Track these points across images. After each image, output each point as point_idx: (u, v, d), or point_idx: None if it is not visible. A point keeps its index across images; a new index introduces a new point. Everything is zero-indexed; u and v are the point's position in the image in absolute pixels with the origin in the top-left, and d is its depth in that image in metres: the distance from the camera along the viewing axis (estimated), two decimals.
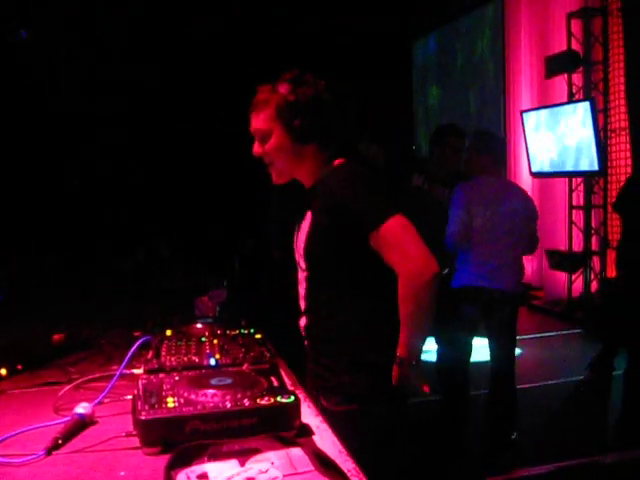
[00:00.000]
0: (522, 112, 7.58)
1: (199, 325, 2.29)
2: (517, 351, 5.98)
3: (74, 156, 7.94)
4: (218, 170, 8.93)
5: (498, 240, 3.72)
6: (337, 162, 2.01)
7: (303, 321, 2.11)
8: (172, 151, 8.81)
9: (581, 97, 6.97)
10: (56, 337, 2.43)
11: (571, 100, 7.00)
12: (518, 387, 4.01)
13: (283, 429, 1.50)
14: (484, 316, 3.87)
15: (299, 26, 8.88)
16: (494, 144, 3.93)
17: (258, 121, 1.96)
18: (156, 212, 8.17)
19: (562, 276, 7.35)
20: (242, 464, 1.31)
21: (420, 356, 1.89)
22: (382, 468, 1.82)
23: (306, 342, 2.13)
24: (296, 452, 1.36)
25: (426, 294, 1.81)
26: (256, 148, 2.00)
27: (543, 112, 7.24)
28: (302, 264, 2.04)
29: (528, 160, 7.56)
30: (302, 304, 2.09)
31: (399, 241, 1.83)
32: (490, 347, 3.93)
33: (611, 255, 6.50)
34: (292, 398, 1.54)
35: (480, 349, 4.13)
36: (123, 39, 8.09)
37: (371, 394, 1.95)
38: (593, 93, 6.91)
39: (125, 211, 7.94)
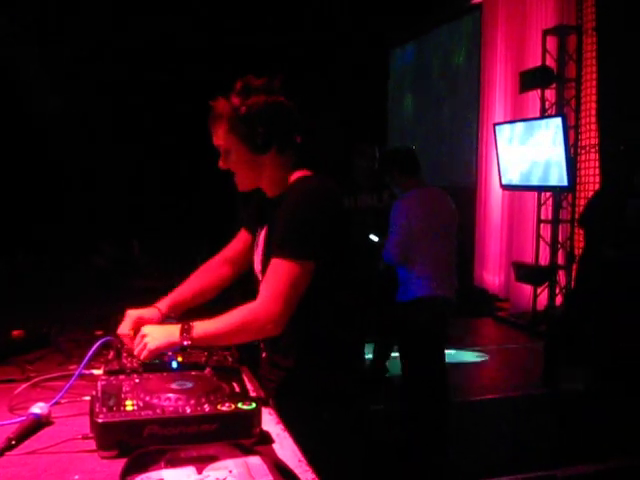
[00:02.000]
0: (495, 125, 7.64)
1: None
2: (480, 359, 6.08)
3: (48, 154, 7.84)
4: (192, 169, 8.88)
5: (442, 248, 3.80)
6: (300, 174, 1.99)
7: None
8: (146, 148, 8.74)
9: (553, 113, 7.05)
10: (15, 333, 2.38)
11: (543, 115, 7.08)
12: (480, 398, 4.04)
13: (243, 436, 1.48)
14: (439, 325, 3.91)
15: (275, 31, 8.86)
16: (405, 159, 3.95)
17: (217, 137, 1.95)
18: (129, 210, 8.09)
19: (528, 289, 7.41)
20: (199, 471, 1.30)
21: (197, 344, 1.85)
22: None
23: (263, 354, 2.12)
24: (255, 461, 1.35)
25: (249, 330, 1.84)
26: (221, 162, 1.99)
27: (516, 125, 7.31)
28: (259, 277, 2.04)
29: (499, 172, 7.63)
30: None
31: (277, 287, 1.82)
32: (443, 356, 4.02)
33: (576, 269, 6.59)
34: (253, 405, 1.52)
35: None
36: (102, 37, 8.00)
37: (322, 398, 1.96)
38: (565, 109, 7.00)
39: (97, 208, 7.86)
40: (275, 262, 1.85)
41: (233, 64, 8.53)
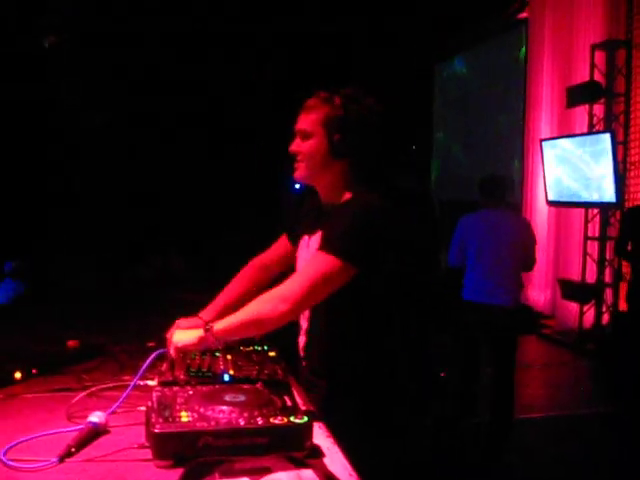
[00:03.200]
0: (542, 141, 7.58)
1: None
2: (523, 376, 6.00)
3: (98, 167, 8.02)
4: (233, 183, 8.99)
5: (494, 262, 4.30)
6: (361, 189, 2.02)
7: (302, 340, 2.13)
8: (190, 161, 8.88)
9: (601, 128, 6.96)
10: (70, 343, 2.45)
11: (591, 131, 6.99)
12: (525, 417, 4.00)
13: (294, 449, 1.50)
14: (484, 329, 4.39)
15: (323, 42, 8.94)
16: (494, 188, 4.53)
17: (305, 122, 2.01)
18: (172, 224, 8.22)
19: (574, 307, 7.30)
20: None
21: (222, 343, 1.91)
22: None
23: (303, 362, 2.14)
24: (307, 473, 1.37)
25: (271, 318, 1.84)
26: (295, 145, 2.04)
27: (563, 141, 7.23)
28: None
29: (545, 189, 7.55)
30: (304, 323, 2.11)
31: (308, 273, 1.87)
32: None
33: (624, 288, 6.47)
34: (305, 419, 1.54)
35: None
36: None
37: (362, 424, 1.96)
38: (614, 125, 6.90)
39: (143, 223, 8.00)
40: (316, 254, 1.89)
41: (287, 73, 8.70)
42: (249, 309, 1.88)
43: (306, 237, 2.13)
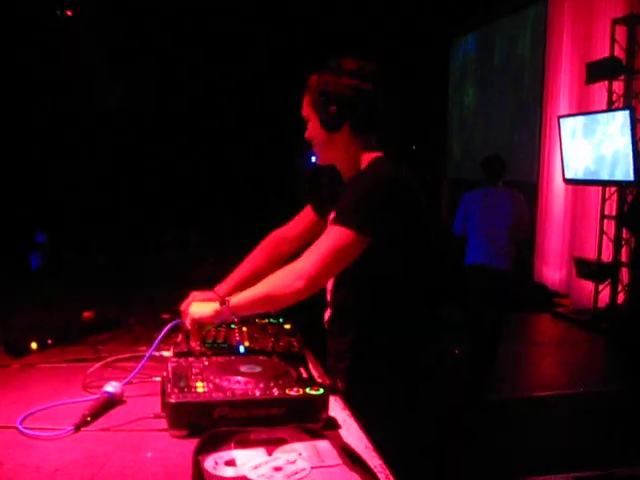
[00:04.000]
0: (559, 117, 7.48)
1: None
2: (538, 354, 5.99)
3: (115, 145, 8.04)
4: (248, 161, 8.98)
5: (493, 232, 5.07)
6: (374, 155, 2.00)
7: (327, 314, 2.12)
8: (204, 140, 8.87)
9: (621, 105, 6.86)
10: (86, 315, 2.46)
11: (610, 108, 6.90)
12: (539, 395, 3.99)
13: (310, 421, 1.49)
14: (485, 286, 5.10)
15: (335, 22, 8.86)
16: (493, 167, 5.33)
17: (303, 107, 2.03)
18: (188, 201, 8.24)
19: (589, 285, 7.26)
20: (269, 453, 1.32)
21: (238, 317, 1.93)
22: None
23: (329, 336, 2.13)
24: (324, 445, 1.36)
25: (281, 286, 1.84)
26: (306, 132, 2.06)
27: (581, 118, 7.14)
28: None
29: (562, 166, 7.47)
30: (328, 297, 2.10)
31: (323, 248, 1.84)
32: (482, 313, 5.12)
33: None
34: (321, 390, 1.54)
35: None
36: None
37: (382, 397, 1.95)
38: (633, 102, 6.79)
39: (159, 200, 8.02)
40: (329, 227, 1.88)
41: (297, 49, 8.64)
42: (265, 285, 1.87)
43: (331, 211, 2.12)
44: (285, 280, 1.84)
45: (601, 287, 7.05)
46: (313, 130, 2.02)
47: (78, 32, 6.93)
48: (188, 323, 1.91)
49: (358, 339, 2.01)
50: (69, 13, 6.67)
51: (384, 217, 1.85)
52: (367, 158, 1.99)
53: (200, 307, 1.93)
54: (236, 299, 1.87)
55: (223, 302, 1.86)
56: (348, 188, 1.93)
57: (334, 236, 1.84)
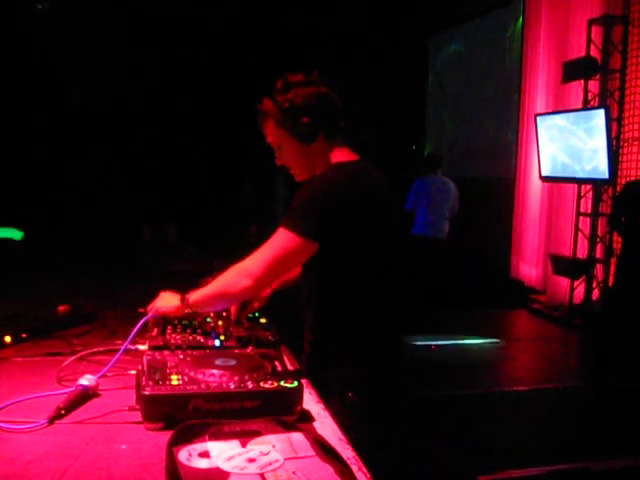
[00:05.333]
0: (536, 115, 7.55)
1: None
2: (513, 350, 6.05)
3: (90, 142, 7.97)
4: (225, 157, 8.96)
5: (437, 209, 7.31)
6: (342, 156, 2.01)
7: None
8: (180, 134, 8.83)
9: (596, 104, 6.94)
10: (61, 308, 2.45)
11: (586, 107, 6.97)
12: (513, 389, 4.03)
13: (285, 413, 1.51)
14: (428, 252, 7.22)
15: (312, 23, 8.86)
16: (435, 161, 7.79)
17: (267, 134, 2.05)
18: (165, 195, 8.20)
19: (564, 282, 7.34)
20: (243, 445, 1.33)
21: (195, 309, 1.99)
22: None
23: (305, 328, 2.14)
24: (297, 437, 1.37)
25: (229, 286, 1.92)
26: (278, 159, 2.08)
27: (557, 117, 7.21)
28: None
29: (539, 164, 7.54)
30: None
31: (271, 249, 1.89)
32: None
33: (614, 264, 6.51)
34: (295, 383, 1.55)
35: None
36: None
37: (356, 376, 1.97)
38: (608, 101, 6.87)
39: (134, 193, 7.98)
40: (279, 230, 1.91)
41: (267, 49, 8.64)
42: (216, 283, 1.94)
43: None
44: (234, 279, 1.91)
45: (576, 283, 7.13)
46: (288, 150, 2.03)
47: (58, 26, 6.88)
48: (151, 313, 2.00)
49: (317, 329, 2.04)
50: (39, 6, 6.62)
51: (330, 223, 1.87)
52: (334, 161, 2.00)
53: (164, 301, 2.02)
54: (194, 296, 1.95)
55: (183, 299, 1.96)
56: (299, 191, 1.94)
57: (281, 239, 1.88)
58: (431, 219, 7.23)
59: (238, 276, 1.89)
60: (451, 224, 7.64)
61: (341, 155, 2.01)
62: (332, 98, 2.00)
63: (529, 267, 8.34)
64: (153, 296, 2.12)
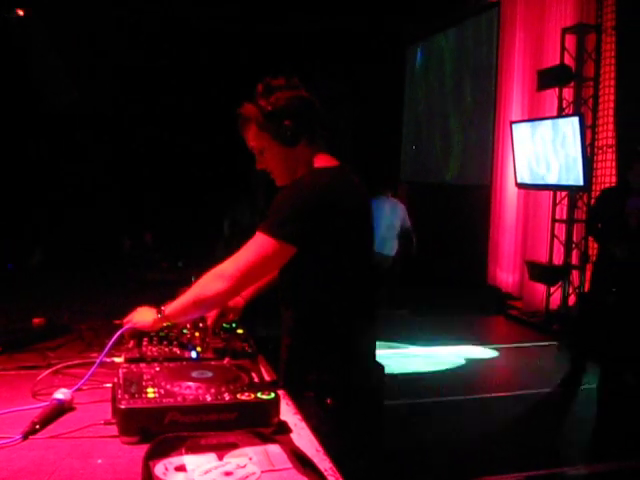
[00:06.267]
0: (512, 123, 7.63)
1: None
2: (491, 357, 6.09)
3: (64, 150, 7.90)
4: (202, 164, 8.94)
5: (388, 228, 7.61)
6: (322, 161, 2.02)
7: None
8: (157, 144, 8.80)
9: (571, 112, 7.03)
10: (36, 321, 2.43)
11: (561, 114, 7.06)
12: (491, 396, 4.06)
13: (262, 425, 1.50)
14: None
15: (293, 26, 8.89)
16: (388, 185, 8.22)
17: (249, 139, 2.03)
18: (142, 204, 8.15)
19: (541, 288, 7.40)
20: (220, 458, 1.32)
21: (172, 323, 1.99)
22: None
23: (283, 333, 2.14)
24: (274, 449, 1.37)
25: (211, 297, 1.90)
26: (258, 163, 2.07)
27: (532, 124, 7.29)
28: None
29: (515, 171, 7.62)
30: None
31: (247, 253, 1.88)
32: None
33: (590, 270, 6.58)
34: (272, 395, 1.55)
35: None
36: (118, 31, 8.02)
37: (328, 383, 1.96)
38: (583, 109, 6.97)
39: (111, 202, 7.92)
40: (257, 234, 1.90)
41: (251, 54, 8.64)
42: (192, 290, 1.93)
43: None
44: (209, 283, 1.90)
45: (553, 289, 7.20)
46: (270, 154, 2.01)
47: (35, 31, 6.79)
48: (127, 326, 1.97)
49: (295, 334, 2.04)
50: (21, 13, 6.53)
51: (307, 227, 1.88)
52: (315, 166, 2.01)
53: (140, 316, 1.99)
54: (170, 308, 1.93)
55: (159, 311, 1.93)
56: (277, 196, 1.94)
57: (258, 244, 1.88)
58: (383, 237, 7.45)
59: (213, 280, 1.89)
60: (400, 242, 7.89)
61: (322, 160, 2.02)
62: (313, 102, 2.00)
63: (506, 273, 8.41)
64: (130, 307, 2.10)
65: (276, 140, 1.97)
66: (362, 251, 2.03)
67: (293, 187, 1.94)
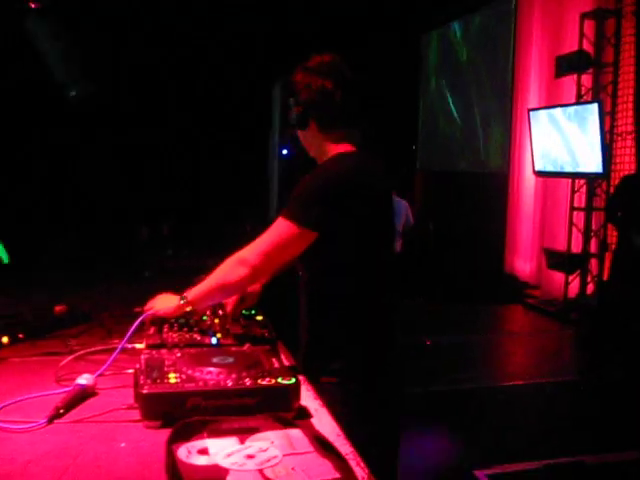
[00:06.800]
0: (529, 110, 7.57)
1: None
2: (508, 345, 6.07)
3: (81, 140, 7.94)
4: (219, 154, 8.96)
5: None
6: (342, 148, 2.02)
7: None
8: (175, 132, 8.82)
9: (589, 98, 6.96)
10: (58, 309, 2.45)
11: (579, 101, 6.99)
12: (508, 384, 4.05)
13: (282, 410, 1.51)
14: None
15: (305, 16, 8.87)
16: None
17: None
18: (160, 193, 8.19)
19: (559, 276, 7.36)
20: (242, 442, 1.33)
21: (195, 309, 1.99)
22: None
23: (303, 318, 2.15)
24: (295, 433, 1.38)
25: (233, 282, 1.93)
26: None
27: (550, 111, 7.23)
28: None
29: (532, 158, 7.56)
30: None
31: (268, 238, 1.90)
32: None
33: (609, 258, 6.54)
34: (293, 380, 1.55)
35: None
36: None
37: (351, 370, 1.97)
38: (601, 95, 6.90)
39: (130, 191, 7.97)
40: (278, 220, 1.91)
41: (264, 49, 8.64)
42: (214, 276, 1.95)
43: None
44: (231, 269, 1.92)
45: (571, 278, 7.16)
46: (292, 126, 2.09)
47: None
48: (149, 313, 1.99)
49: (316, 318, 2.05)
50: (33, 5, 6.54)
51: (330, 212, 1.88)
52: (333, 152, 2.01)
53: (162, 302, 2.02)
54: (192, 293, 1.97)
55: (182, 298, 1.95)
56: (300, 181, 1.95)
57: (280, 229, 1.89)
58: None
59: (235, 266, 1.91)
60: (403, 239, 7.88)
61: (341, 147, 2.02)
62: (333, 93, 1.98)
63: (523, 262, 8.37)
64: (149, 294, 2.12)
65: (290, 116, 2.05)
66: (384, 236, 2.04)
67: (315, 173, 1.95)
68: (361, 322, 1.99)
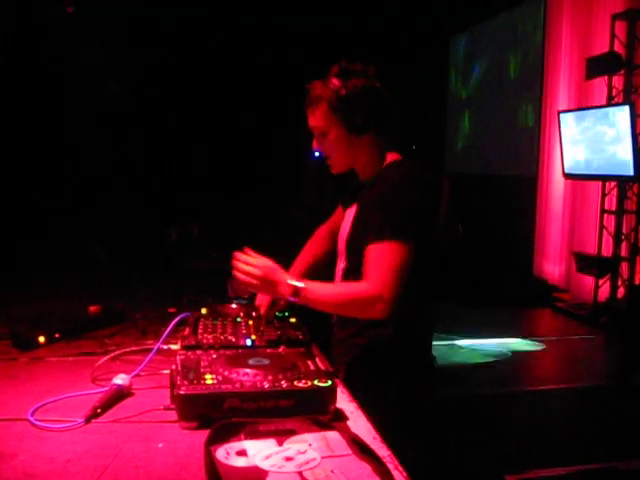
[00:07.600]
0: (559, 112, 7.49)
1: (234, 305, 2.31)
2: (537, 349, 6.01)
3: (111, 140, 8.01)
4: (248, 154, 8.99)
5: None
6: (392, 157, 2.02)
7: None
8: (202, 133, 8.87)
9: (620, 100, 6.87)
10: (92, 309, 2.47)
11: (610, 103, 6.90)
12: (538, 389, 4.01)
13: (319, 412, 1.51)
14: None
15: (334, 20, 8.87)
16: None
17: (314, 118, 1.97)
18: (190, 193, 8.24)
19: (589, 280, 7.27)
20: (280, 444, 1.33)
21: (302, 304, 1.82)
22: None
23: (336, 331, 2.14)
24: (333, 435, 1.38)
25: (356, 310, 1.86)
26: (315, 144, 2.03)
27: (581, 114, 7.15)
28: (342, 254, 2.06)
29: (562, 161, 7.48)
30: None
31: (385, 263, 1.82)
32: None
33: None
34: (329, 382, 1.55)
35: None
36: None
37: (391, 377, 1.98)
38: (633, 97, 6.80)
39: (159, 192, 8.02)
40: (378, 246, 1.84)
41: (288, 51, 8.67)
42: (344, 290, 1.90)
43: (348, 210, 2.14)
44: (365, 308, 1.82)
45: (601, 282, 7.06)
46: (334, 138, 1.96)
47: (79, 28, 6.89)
48: (241, 277, 1.82)
49: (363, 330, 2.02)
50: (69, 10, 6.62)
51: (418, 220, 1.90)
52: (387, 159, 2.01)
53: (270, 272, 1.81)
54: (310, 287, 1.80)
55: (297, 286, 1.78)
56: (375, 197, 1.92)
57: (390, 253, 1.83)
58: None
59: (368, 306, 1.81)
60: None
61: (393, 154, 2.02)
62: (386, 96, 1.97)
63: (552, 265, 8.28)
64: (179, 294, 2.12)
65: (344, 126, 1.93)
66: (432, 241, 2.02)
67: (398, 186, 1.91)
68: (404, 321, 1.98)
